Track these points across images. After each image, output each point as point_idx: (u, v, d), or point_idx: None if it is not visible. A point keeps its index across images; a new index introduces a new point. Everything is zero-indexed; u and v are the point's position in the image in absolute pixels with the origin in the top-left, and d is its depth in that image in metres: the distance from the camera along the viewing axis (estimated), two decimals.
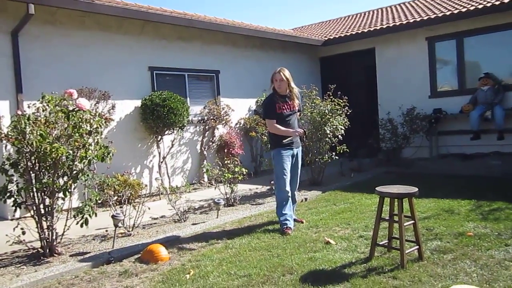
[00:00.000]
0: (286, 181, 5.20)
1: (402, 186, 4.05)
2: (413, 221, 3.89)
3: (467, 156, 9.37)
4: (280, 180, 5.22)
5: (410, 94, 10.40)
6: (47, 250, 4.56)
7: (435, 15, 9.79)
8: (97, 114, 4.74)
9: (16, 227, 4.42)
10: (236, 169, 6.69)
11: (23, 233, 4.45)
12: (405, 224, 3.81)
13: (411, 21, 10.18)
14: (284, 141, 5.21)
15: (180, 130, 8.32)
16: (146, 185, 7.65)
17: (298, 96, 5.42)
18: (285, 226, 5.08)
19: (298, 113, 5.59)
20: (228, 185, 6.67)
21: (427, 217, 5.32)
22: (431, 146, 10.02)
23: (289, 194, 5.24)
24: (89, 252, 4.67)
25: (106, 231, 5.47)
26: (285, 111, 5.22)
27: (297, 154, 5.39)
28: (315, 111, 7.70)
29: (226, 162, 7.01)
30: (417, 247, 3.89)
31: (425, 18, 9.96)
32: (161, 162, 8.33)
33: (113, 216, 4.88)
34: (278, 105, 5.20)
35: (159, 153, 8.33)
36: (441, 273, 3.54)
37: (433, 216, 5.35)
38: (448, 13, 9.61)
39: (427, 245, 4.23)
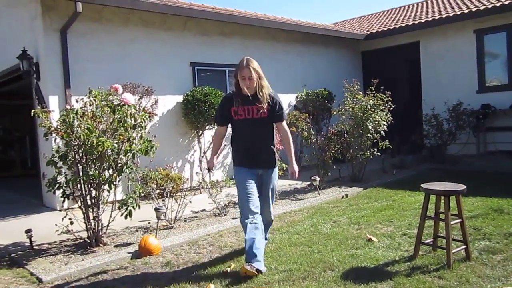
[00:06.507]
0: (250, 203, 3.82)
1: (448, 183, 3.91)
2: (460, 220, 3.75)
3: None
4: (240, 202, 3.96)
5: (456, 89, 10.06)
6: (93, 240, 4.72)
7: (484, 7, 9.41)
8: (141, 108, 4.84)
9: (65, 217, 4.59)
10: None
11: (71, 223, 4.61)
12: (452, 223, 3.68)
13: (458, 13, 9.83)
14: (237, 155, 4.10)
15: None
16: (187, 179, 7.75)
17: (275, 97, 3.93)
18: (248, 263, 3.60)
19: (278, 123, 4.00)
20: None
21: (475, 216, 5.12)
22: (478, 143, 9.65)
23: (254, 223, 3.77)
24: (133, 243, 4.79)
25: (149, 223, 5.59)
26: (243, 116, 3.88)
27: (261, 175, 4.02)
28: (356, 106, 7.58)
29: None
30: (464, 246, 3.75)
31: (474, 10, 9.59)
32: (202, 156, 8.43)
33: (156, 209, 4.98)
34: (234, 109, 3.92)
35: (200, 148, 8.43)
36: (490, 274, 3.39)
37: (481, 215, 5.14)
38: (498, 4, 9.20)
39: (475, 245, 4.08)
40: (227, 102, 3.98)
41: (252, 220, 3.74)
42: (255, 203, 3.81)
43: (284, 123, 4.04)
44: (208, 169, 4.25)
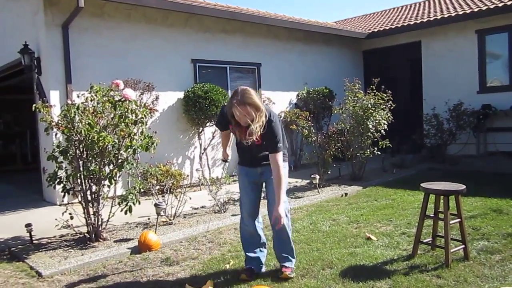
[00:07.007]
0: (243, 209, 3.75)
1: (448, 183, 3.92)
2: (459, 220, 3.77)
3: None
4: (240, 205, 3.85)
5: (457, 89, 10.06)
6: (93, 235, 4.74)
7: (486, 7, 9.39)
8: (142, 104, 4.85)
9: (65, 212, 4.60)
10: None
11: (71, 218, 4.62)
12: (450, 222, 3.69)
13: (460, 13, 9.82)
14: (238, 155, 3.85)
15: None
16: (187, 176, 7.77)
17: (273, 127, 3.39)
18: (246, 267, 3.70)
19: (270, 154, 3.42)
20: None
21: (474, 216, 5.13)
22: (478, 143, 9.66)
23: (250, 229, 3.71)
24: (133, 239, 4.80)
25: (149, 219, 5.60)
26: (238, 135, 3.54)
27: (262, 173, 3.66)
28: (357, 104, 7.58)
29: None
30: (463, 246, 3.76)
31: (476, 10, 9.58)
32: (202, 153, 8.44)
33: (155, 205, 4.99)
34: (231, 126, 3.58)
35: (200, 145, 8.44)
36: (488, 274, 3.41)
37: (480, 215, 5.15)
38: (500, 4, 9.20)
39: (473, 245, 4.09)
40: (225, 116, 3.53)
41: (247, 226, 3.72)
42: (251, 207, 3.68)
43: (278, 156, 3.38)
44: (224, 160, 4.12)
